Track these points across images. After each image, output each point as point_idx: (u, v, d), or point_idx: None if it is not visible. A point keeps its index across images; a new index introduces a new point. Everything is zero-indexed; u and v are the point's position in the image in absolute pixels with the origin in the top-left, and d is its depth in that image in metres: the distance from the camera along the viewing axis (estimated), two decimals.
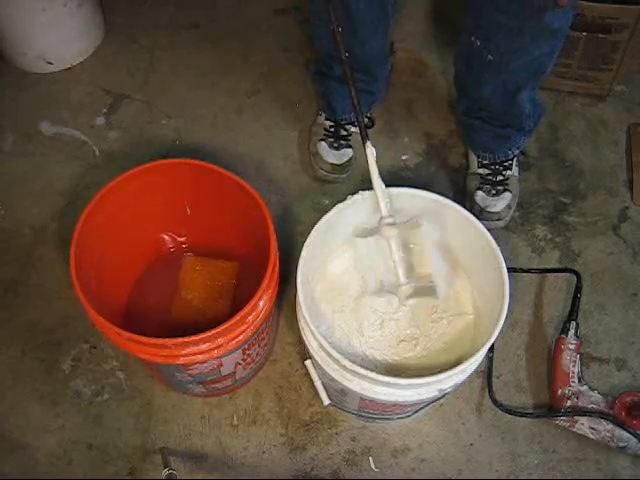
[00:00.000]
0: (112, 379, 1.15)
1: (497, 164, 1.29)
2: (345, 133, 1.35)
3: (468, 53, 1.13)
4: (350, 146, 1.34)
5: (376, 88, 1.34)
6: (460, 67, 1.24)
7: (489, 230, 0.92)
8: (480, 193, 1.28)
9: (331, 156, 1.32)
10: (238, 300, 1.09)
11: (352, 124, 1.36)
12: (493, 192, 1.27)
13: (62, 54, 1.52)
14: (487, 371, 1.14)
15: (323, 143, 1.34)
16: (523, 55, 1.05)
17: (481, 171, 1.30)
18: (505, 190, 1.28)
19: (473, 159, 1.32)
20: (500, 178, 1.29)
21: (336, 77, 1.26)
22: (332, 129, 1.35)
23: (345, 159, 1.33)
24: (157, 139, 1.43)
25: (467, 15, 1.10)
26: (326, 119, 1.36)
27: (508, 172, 1.30)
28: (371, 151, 0.93)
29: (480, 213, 1.26)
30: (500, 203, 1.27)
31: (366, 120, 1.38)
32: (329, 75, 1.28)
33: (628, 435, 1.05)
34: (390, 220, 0.93)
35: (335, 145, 1.34)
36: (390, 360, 0.97)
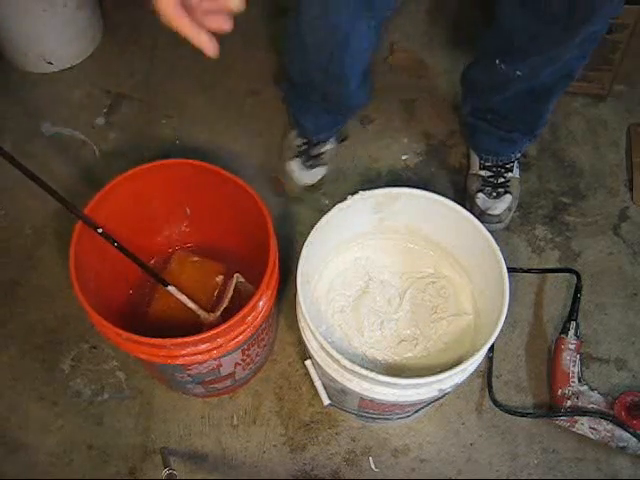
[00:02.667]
0: (112, 379, 1.15)
1: (499, 166, 1.29)
2: (317, 152, 1.31)
3: (490, 71, 1.09)
4: (323, 164, 1.30)
5: (352, 106, 1.26)
6: (476, 77, 1.20)
7: (489, 231, 0.92)
8: (481, 195, 1.27)
9: (304, 176, 1.28)
10: (237, 301, 1.08)
11: (325, 142, 1.31)
12: (494, 194, 1.27)
13: (62, 54, 1.52)
14: (487, 371, 1.14)
15: (295, 162, 1.29)
16: (553, 64, 1.02)
17: (483, 173, 1.29)
18: (506, 192, 1.28)
19: (475, 160, 1.32)
20: (501, 180, 1.29)
21: (307, 98, 1.21)
22: (304, 147, 1.30)
23: (318, 177, 1.30)
24: (157, 139, 1.43)
25: (491, 39, 1.07)
26: (298, 136, 1.31)
27: (509, 174, 1.29)
28: None
29: (481, 215, 1.25)
30: (501, 205, 1.26)
31: (339, 135, 1.34)
32: (300, 95, 1.23)
33: (628, 435, 1.05)
34: None
35: (308, 164, 1.29)
36: (390, 360, 0.97)
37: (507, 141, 1.25)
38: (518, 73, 1.04)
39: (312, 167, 1.29)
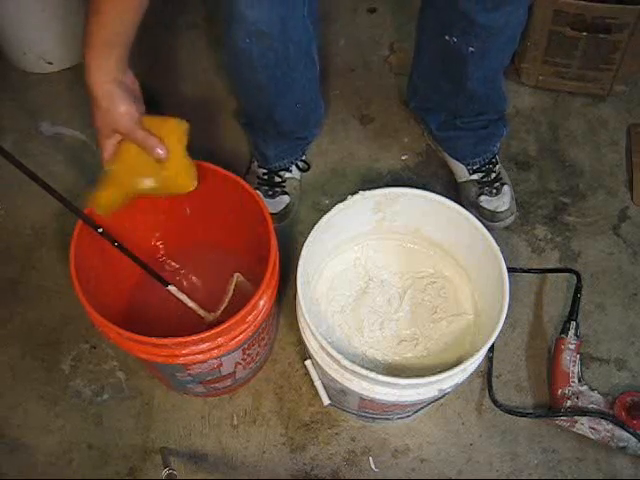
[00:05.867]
0: (112, 379, 1.15)
1: (487, 164, 1.30)
2: (279, 180, 1.30)
3: (442, 57, 1.11)
4: (286, 192, 1.29)
5: (310, 133, 1.30)
6: (428, 80, 1.22)
7: (491, 230, 0.92)
8: (484, 197, 1.27)
9: (267, 206, 1.26)
10: (238, 300, 1.09)
11: (286, 170, 1.31)
12: (494, 191, 1.27)
13: (62, 54, 1.52)
14: (487, 371, 1.14)
15: (258, 192, 1.25)
16: (504, 28, 1.02)
17: (475, 177, 1.29)
18: (503, 184, 1.28)
19: (461, 168, 1.31)
20: (494, 175, 1.29)
21: (265, 128, 1.23)
22: (266, 177, 1.30)
23: (282, 207, 1.28)
24: None
25: (434, 17, 1.08)
26: (259, 167, 1.31)
27: (497, 166, 1.30)
28: None
29: (492, 217, 1.26)
30: (505, 199, 1.27)
31: (301, 164, 1.34)
32: (258, 125, 1.24)
33: (628, 435, 1.05)
34: None
35: (270, 193, 1.28)
36: (390, 360, 0.97)
37: (485, 137, 1.26)
38: (471, 49, 1.05)
39: (274, 196, 1.28)
